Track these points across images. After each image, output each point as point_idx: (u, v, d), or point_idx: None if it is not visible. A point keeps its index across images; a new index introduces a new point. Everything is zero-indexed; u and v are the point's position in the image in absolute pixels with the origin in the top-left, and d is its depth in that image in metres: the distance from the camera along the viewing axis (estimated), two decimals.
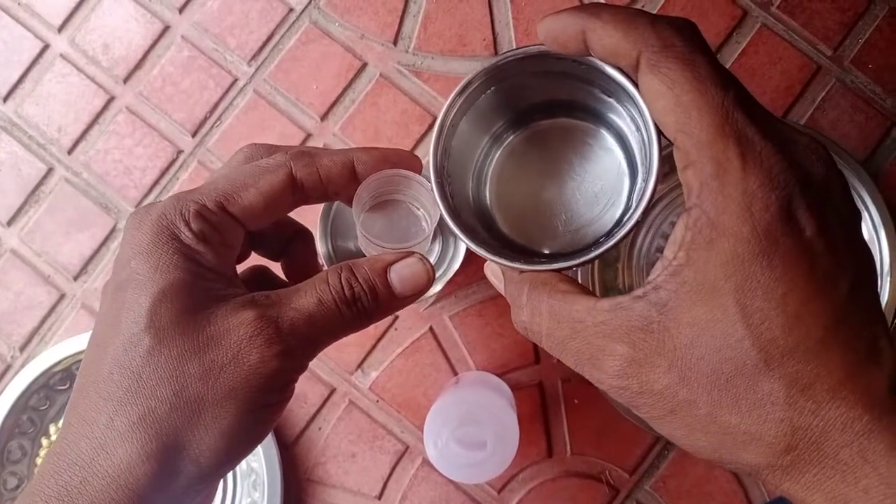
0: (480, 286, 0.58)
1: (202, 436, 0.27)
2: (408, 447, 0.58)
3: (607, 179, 0.31)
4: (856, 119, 0.58)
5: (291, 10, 0.60)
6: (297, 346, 0.29)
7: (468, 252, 0.53)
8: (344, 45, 0.60)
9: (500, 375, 0.57)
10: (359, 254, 0.54)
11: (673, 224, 0.53)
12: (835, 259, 0.22)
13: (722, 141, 0.22)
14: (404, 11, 0.60)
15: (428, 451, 0.48)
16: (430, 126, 0.59)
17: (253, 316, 0.28)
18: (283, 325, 0.29)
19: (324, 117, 0.60)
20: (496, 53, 0.59)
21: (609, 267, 0.56)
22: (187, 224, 0.29)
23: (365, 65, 0.60)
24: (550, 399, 0.58)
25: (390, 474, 0.58)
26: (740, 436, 0.23)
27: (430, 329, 0.58)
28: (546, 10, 0.59)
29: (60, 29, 0.61)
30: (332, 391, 0.58)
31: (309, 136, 0.60)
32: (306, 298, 0.29)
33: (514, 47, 0.28)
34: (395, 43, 0.60)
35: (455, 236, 0.53)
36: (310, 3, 0.60)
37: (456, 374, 0.58)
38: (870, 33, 0.58)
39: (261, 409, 0.29)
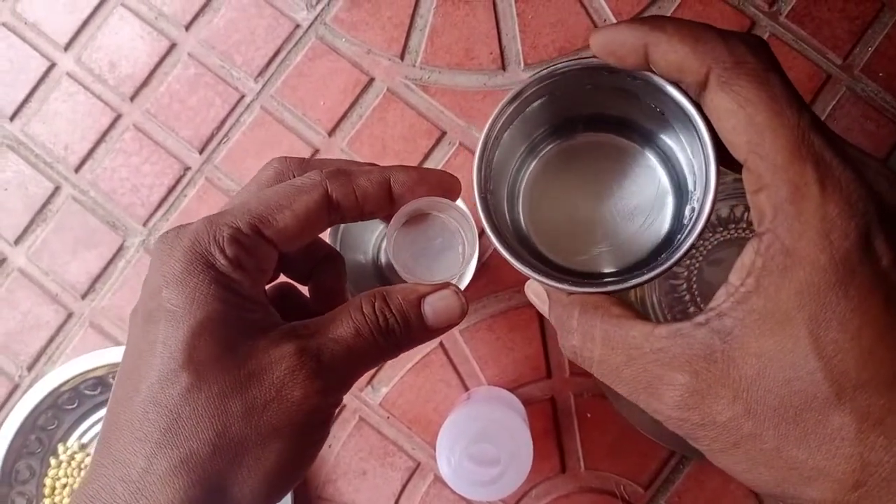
0: (490, 300, 0.58)
1: (245, 479, 0.26)
2: (419, 464, 0.57)
3: (645, 196, 0.30)
4: (867, 128, 0.57)
5: (298, 26, 0.60)
6: (336, 379, 0.28)
7: (478, 267, 0.52)
8: (351, 61, 0.60)
9: (511, 390, 0.57)
10: (367, 266, 0.54)
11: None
12: None
13: (799, 164, 0.22)
14: (411, 26, 0.60)
15: (441, 469, 0.47)
16: (438, 140, 0.59)
17: (294, 349, 0.27)
18: (324, 357, 0.28)
19: (331, 133, 0.59)
20: (503, 67, 0.59)
21: None
22: (222, 250, 0.27)
23: (372, 80, 0.60)
24: (563, 413, 0.57)
25: (402, 491, 0.57)
26: (807, 471, 0.22)
27: (441, 344, 0.58)
28: (552, 24, 0.59)
29: (67, 47, 0.61)
30: (343, 407, 0.58)
31: (316, 151, 0.60)
32: (344, 328, 0.29)
33: (569, 57, 0.27)
34: (401, 57, 0.60)
35: (474, 254, 0.53)
36: (316, 18, 0.60)
37: (467, 389, 0.57)
38: (879, 41, 0.58)
39: (302, 449, 0.28)
